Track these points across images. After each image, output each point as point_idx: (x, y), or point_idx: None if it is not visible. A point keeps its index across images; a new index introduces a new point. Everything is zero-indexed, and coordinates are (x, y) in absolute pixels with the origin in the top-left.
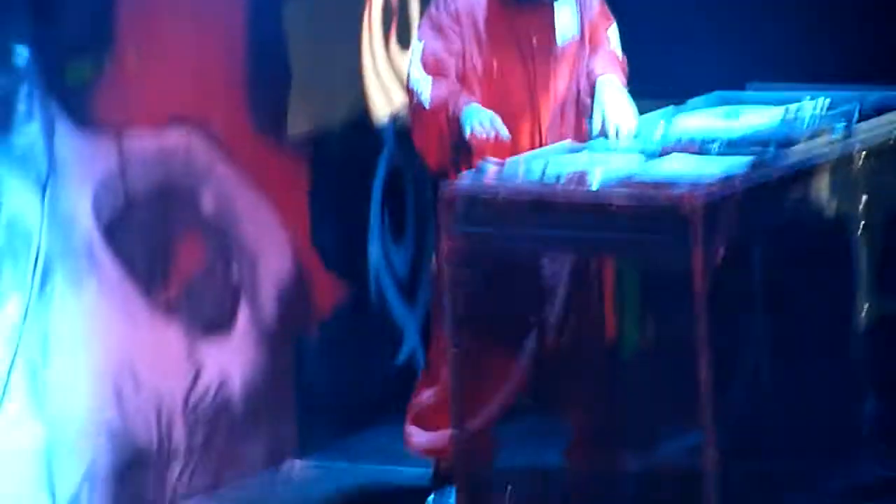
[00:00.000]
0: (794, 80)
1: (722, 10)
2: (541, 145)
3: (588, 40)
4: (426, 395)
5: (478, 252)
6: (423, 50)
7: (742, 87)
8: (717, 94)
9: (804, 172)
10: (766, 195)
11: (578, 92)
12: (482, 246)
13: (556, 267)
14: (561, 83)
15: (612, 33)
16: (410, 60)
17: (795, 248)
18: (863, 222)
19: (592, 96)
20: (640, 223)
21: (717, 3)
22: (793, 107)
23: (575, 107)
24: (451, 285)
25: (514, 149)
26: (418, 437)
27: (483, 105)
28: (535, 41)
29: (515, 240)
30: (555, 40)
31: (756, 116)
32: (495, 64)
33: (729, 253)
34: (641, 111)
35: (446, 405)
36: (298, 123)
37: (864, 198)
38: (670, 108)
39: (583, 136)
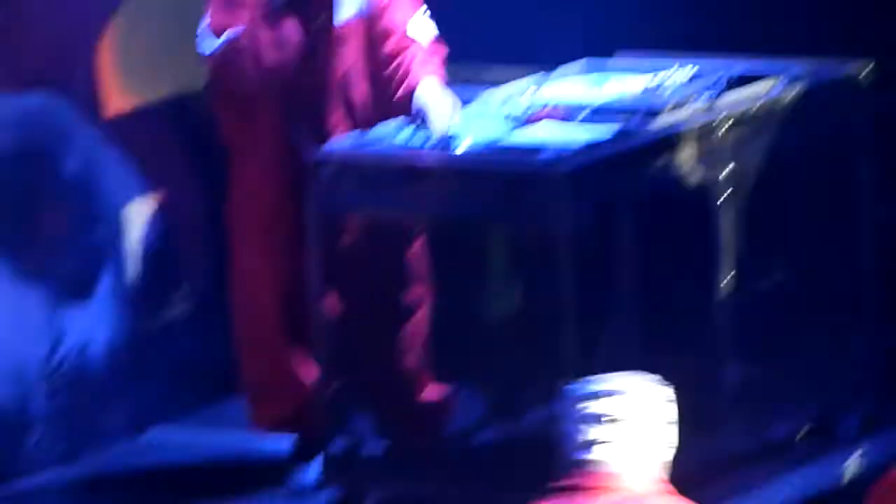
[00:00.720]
0: (661, 48)
1: None
2: (323, 124)
3: (382, 23)
4: (257, 370)
5: (345, 219)
6: (211, 14)
7: (610, 55)
8: (585, 61)
9: (669, 141)
10: (632, 163)
11: (369, 76)
12: (350, 213)
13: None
14: (343, 64)
15: (418, 16)
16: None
17: (660, 217)
18: (726, 191)
19: (408, 99)
20: (506, 190)
21: None
22: (660, 75)
23: (363, 91)
24: (317, 252)
25: (289, 125)
26: (261, 412)
27: (260, 76)
28: (316, 16)
29: (382, 207)
30: (333, 18)
31: (623, 84)
32: (276, 35)
33: (594, 221)
34: (511, 78)
35: (283, 377)
36: (166, 84)
37: (729, 167)
38: (539, 74)
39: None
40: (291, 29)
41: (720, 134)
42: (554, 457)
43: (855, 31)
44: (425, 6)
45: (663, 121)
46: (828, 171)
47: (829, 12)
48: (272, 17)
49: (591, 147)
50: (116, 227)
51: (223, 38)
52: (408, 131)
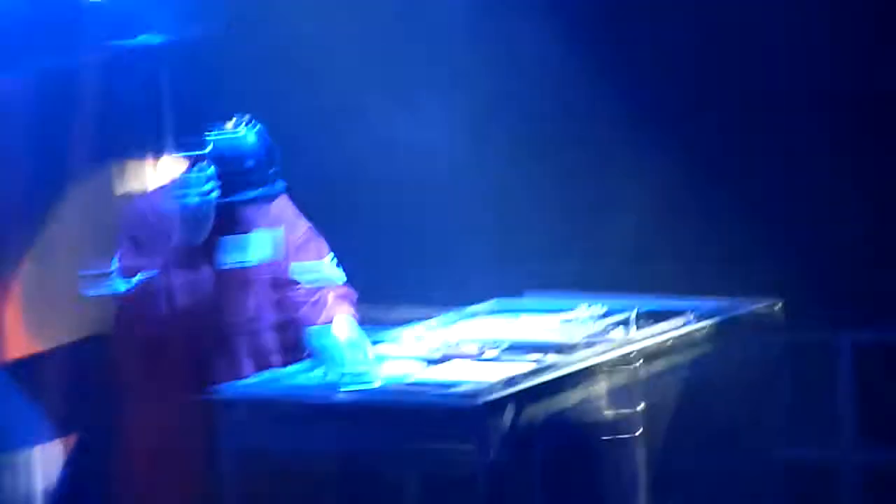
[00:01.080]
0: (570, 288)
1: (500, 219)
2: (232, 365)
3: (292, 277)
4: None
5: (257, 458)
6: (121, 258)
7: (520, 295)
8: (496, 301)
9: (583, 376)
10: (547, 398)
11: (278, 322)
12: (260, 452)
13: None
14: (252, 306)
15: (326, 263)
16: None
17: (574, 453)
18: (640, 427)
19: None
20: (421, 426)
21: (494, 214)
22: (571, 313)
23: (272, 332)
24: (229, 487)
25: (193, 363)
26: None
27: (171, 318)
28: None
29: (293, 445)
30: (245, 264)
31: (535, 323)
32: (187, 278)
33: (509, 456)
34: (424, 317)
35: None
36: (72, 327)
37: (641, 403)
38: (451, 314)
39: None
40: (202, 272)
41: (633, 369)
42: None
43: (763, 272)
44: (332, 254)
45: (577, 356)
46: (738, 406)
47: (737, 254)
48: (184, 259)
49: (506, 384)
50: (25, 472)
51: (135, 281)
52: (319, 370)
